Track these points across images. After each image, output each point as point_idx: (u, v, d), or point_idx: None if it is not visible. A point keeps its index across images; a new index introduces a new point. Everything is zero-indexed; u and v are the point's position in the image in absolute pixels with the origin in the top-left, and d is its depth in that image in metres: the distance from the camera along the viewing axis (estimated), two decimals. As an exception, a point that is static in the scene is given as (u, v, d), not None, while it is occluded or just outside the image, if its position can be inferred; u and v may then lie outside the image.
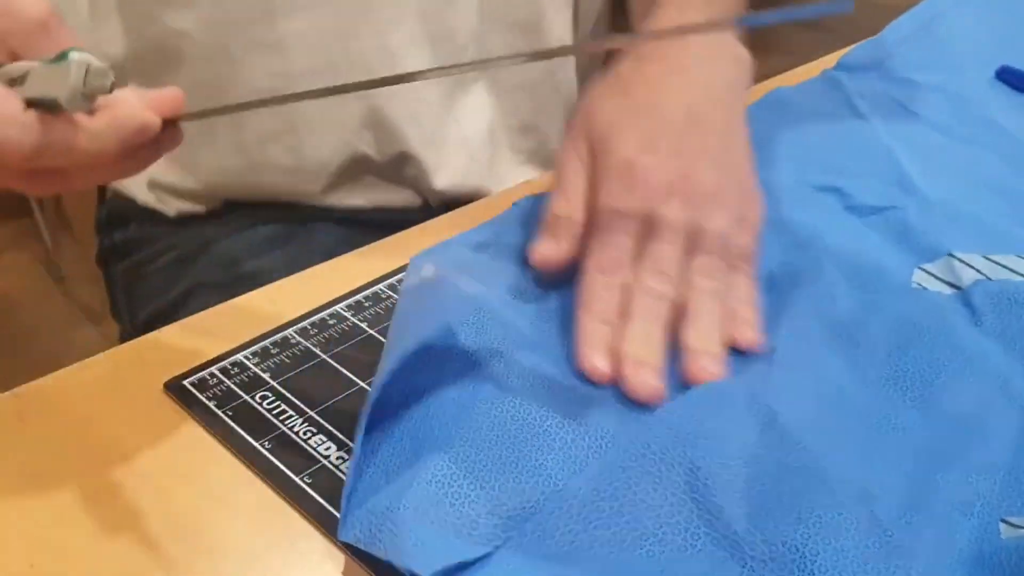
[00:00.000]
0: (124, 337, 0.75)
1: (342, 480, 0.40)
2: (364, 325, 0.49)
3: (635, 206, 0.47)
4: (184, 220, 0.73)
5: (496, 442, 0.40)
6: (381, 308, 0.50)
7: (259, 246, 0.70)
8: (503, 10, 0.69)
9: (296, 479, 0.41)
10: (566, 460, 0.40)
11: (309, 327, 0.49)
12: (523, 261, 0.51)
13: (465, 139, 0.70)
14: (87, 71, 0.38)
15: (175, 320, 0.63)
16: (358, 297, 0.51)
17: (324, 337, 0.48)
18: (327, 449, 0.42)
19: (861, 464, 0.40)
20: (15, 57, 0.39)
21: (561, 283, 0.49)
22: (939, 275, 0.52)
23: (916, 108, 0.69)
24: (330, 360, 0.47)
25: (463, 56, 0.68)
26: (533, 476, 0.39)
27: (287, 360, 0.47)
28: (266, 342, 0.48)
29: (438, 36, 0.67)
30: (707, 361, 0.45)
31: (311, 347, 0.48)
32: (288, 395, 0.45)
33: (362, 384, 0.45)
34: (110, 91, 0.39)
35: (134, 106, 0.40)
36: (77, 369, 0.47)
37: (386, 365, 0.40)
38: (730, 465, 0.39)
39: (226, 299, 0.69)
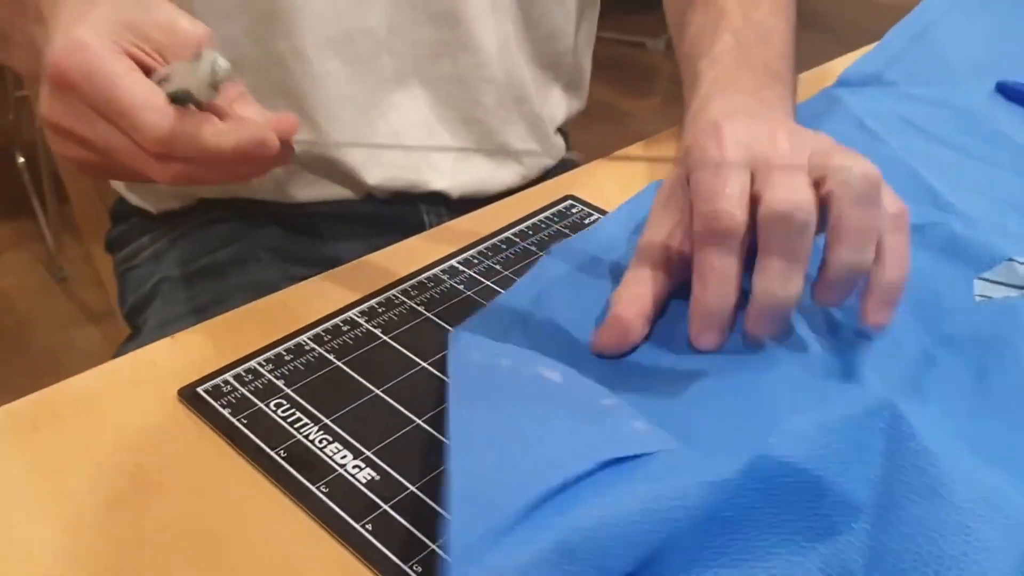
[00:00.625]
0: (131, 335, 0.76)
1: (359, 489, 0.40)
2: (378, 331, 0.49)
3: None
4: (164, 216, 0.77)
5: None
6: (395, 314, 0.50)
7: (213, 241, 0.73)
8: (420, 2, 0.69)
9: (313, 488, 0.40)
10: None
11: (323, 333, 0.49)
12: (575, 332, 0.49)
13: (395, 134, 0.71)
14: (214, 63, 0.44)
15: (149, 311, 0.65)
16: (371, 303, 0.51)
17: (338, 344, 0.48)
18: (343, 458, 0.42)
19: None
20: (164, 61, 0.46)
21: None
22: (1002, 280, 0.52)
23: (924, 125, 0.68)
24: (345, 367, 0.47)
25: (382, 53, 0.69)
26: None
27: (301, 367, 0.47)
28: (280, 349, 0.48)
29: (353, 34, 0.68)
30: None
31: (325, 354, 0.47)
32: (303, 403, 0.45)
33: (377, 391, 0.45)
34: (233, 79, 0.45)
35: (258, 122, 0.46)
36: (90, 376, 0.47)
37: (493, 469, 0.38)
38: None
39: (186, 293, 0.70)
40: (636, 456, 0.39)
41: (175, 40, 0.46)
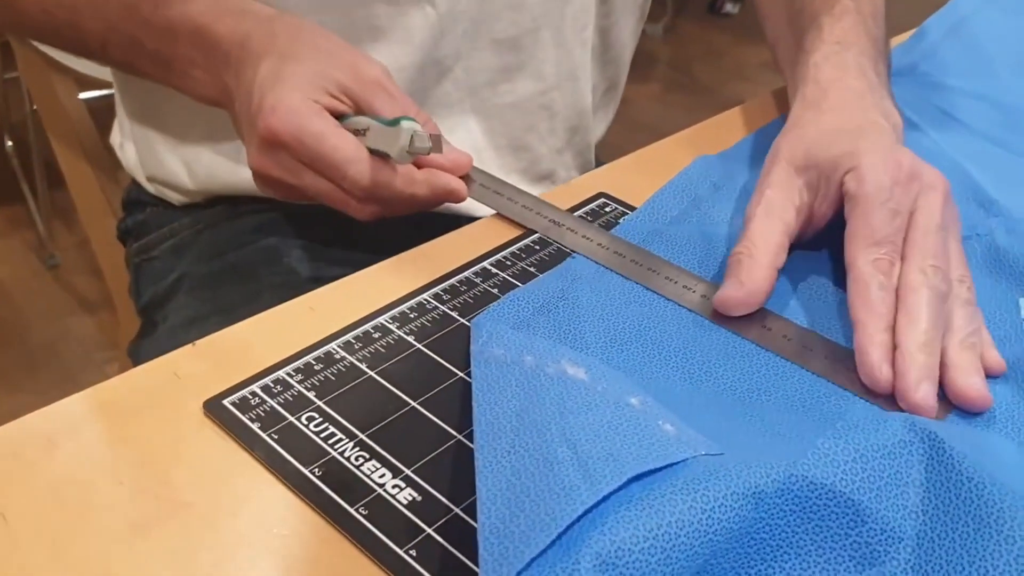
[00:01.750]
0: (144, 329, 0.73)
1: (400, 511, 0.38)
2: (411, 339, 0.47)
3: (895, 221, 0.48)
4: (188, 208, 0.75)
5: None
6: (428, 320, 0.48)
7: (241, 236, 0.71)
8: (485, 29, 0.68)
9: (351, 510, 0.38)
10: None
11: (353, 341, 0.46)
12: (606, 325, 0.48)
13: None
14: (412, 136, 0.50)
15: (169, 307, 0.62)
16: (402, 308, 0.48)
17: (370, 352, 0.46)
18: (381, 476, 0.39)
19: None
20: (357, 109, 0.54)
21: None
22: None
23: (964, 118, 0.66)
24: (378, 377, 0.44)
25: (445, 82, 0.69)
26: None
27: (332, 377, 0.44)
28: (308, 357, 0.45)
29: (426, 65, 0.68)
30: (978, 379, 0.44)
31: (356, 363, 0.45)
32: (336, 416, 0.42)
33: (413, 403, 0.43)
34: (428, 153, 0.52)
35: (446, 173, 0.55)
36: (110, 387, 0.44)
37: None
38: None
39: (210, 290, 0.67)
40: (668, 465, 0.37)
41: (359, 79, 0.54)
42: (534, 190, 0.73)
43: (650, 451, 0.37)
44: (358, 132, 0.52)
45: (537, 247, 0.54)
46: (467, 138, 0.70)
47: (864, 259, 0.47)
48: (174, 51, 0.58)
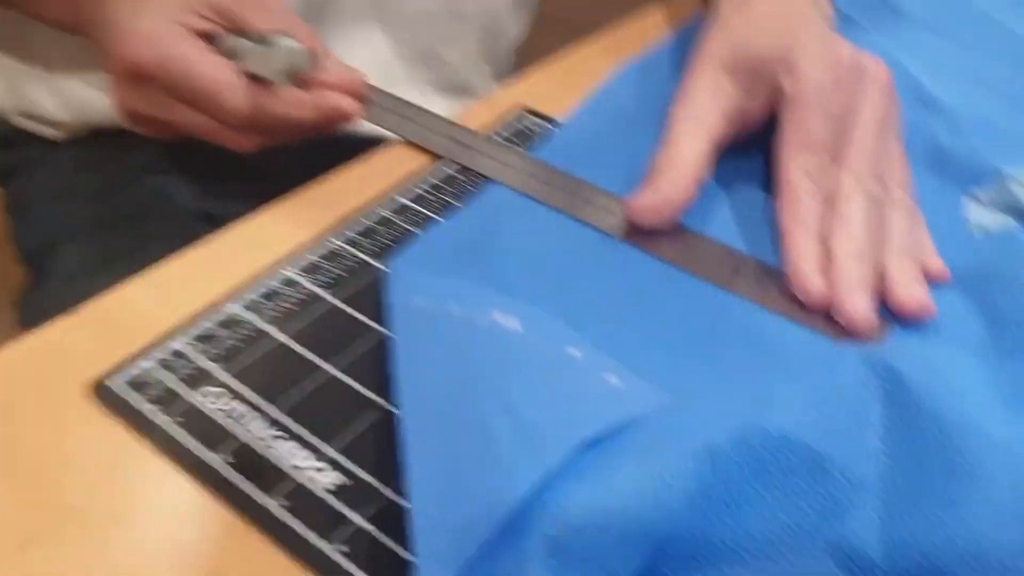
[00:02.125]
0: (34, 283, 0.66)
1: (325, 500, 0.33)
2: (324, 293, 0.41)
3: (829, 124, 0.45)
4: (67, 144, 0.67)
5: None
6: (341, 269, 0.43)
7: (129, 173, 0.64)
8: None
9: (269, 502, 0.33)
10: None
11: (258, 299, 0.41)
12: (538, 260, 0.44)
13: None
14: (289, 54, 0.46)
15: (56, 259, 0.61)
16: (311, 258, 0.43)
17: (278, 311, 0.40)
18: (303, 460, 0.35)
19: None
20: (232, 28, 0.48)
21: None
22: (996, 203, 0.47)
23: (907, 8, 0.62)
24: (290, 341, 0.39)
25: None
26: None
27: (238, 344, 0.39)
28: (209, 323, 0.40)
29: None
30: (919, 288, 0.41)
31: (265, 325, 0.40)
32: (245, 391, 0.37)
33: (333, 371, 0.38)
34: (307, 71, 0.48)
35: (334, 92, 0.49)
36: (-23, 371, 0.38)
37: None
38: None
39: (96, 239, 0.60)
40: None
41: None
42: (450, 104, 0.68)
43: (597, 411, 0.34)
44: (233, 55, 0.47)
45: (461, 177, 0.48)
46: (373, 52, 0.64)
47: (795, 165, 0.44)
48: None
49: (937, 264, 0.44)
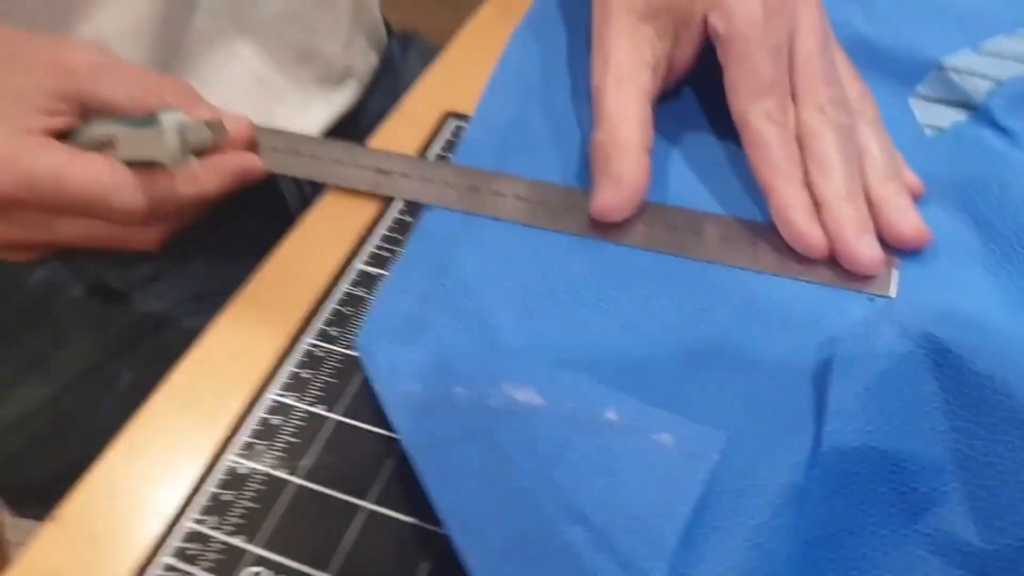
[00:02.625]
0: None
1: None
2: (320, 409, 0.37)
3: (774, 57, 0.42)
4: None
5: None
6: (328, 373, 0.38)
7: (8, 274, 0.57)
8: None
9: None
10: None
11: (253, 441, 0.36)
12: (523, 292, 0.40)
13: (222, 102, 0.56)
14: (181, 130, 0.39)
15: None
16: (287, 368, 0.38)
17: (280, 449, 0.36)
18: (380, 629, 0.32)
19: None
20: (85, 111, 0.41)
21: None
22: (941, 96, 0.45)
23: None
24: (310, 484, 0.35)
25: (198, 6, 0.54)
26: None
27: (253, 504, 0.34)
28: (209, 487, 0.35)
29: None
30: (912, 215, 0.40)
31: (271, 471, 0.35)
32: (287, 562, 0.33)
33: (374, 507, 0.34)
34: (214, 144, 0.42)
35: (234, 152, 0.44)
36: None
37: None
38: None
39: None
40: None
41: (71, 73, 0.41)
42: (338, 98, 0.62)
43: (672, 494, 0.31)
44: (103, 145, 0.40)
45: (407, 216, 0.44)
46: (243, 66, 0.57)
47: (755, 113, 0.42)
48: None
49: (912, 178, 0.43)
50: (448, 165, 0.45)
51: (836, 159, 0.40)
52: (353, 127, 0.66)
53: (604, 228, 0.42)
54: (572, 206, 0.43)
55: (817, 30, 0.43)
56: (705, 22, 0.43)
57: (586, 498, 0.31)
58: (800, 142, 0.41)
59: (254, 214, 0.64)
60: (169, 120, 0.38)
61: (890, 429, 0.33)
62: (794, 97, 0.42)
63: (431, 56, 0.72)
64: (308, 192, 0.64)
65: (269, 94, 0.59)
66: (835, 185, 0.40)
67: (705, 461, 0.32)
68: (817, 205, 0.40)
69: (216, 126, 0.41)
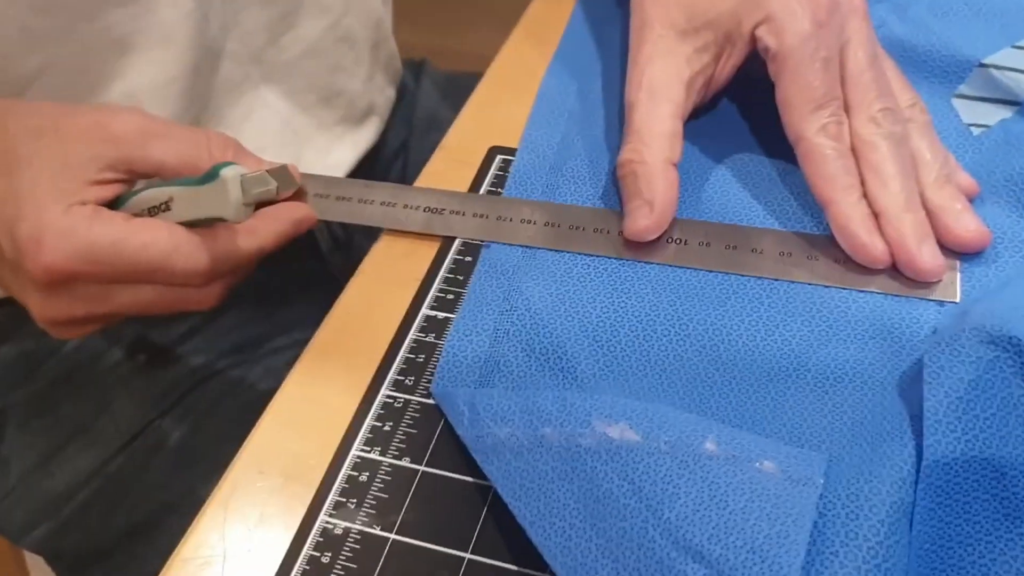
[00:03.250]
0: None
1: None
2: (406, 462, 0.37)
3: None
4: None
5: None
6: (408, 423, 0.38)
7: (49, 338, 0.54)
8: None
9: None
10: None
11: (341, 499, 0.36)
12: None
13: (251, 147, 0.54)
14: (243, 183, 0.38)
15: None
16: (367, 422, 0.38)
17: (370, 505, 0.35)
18: None
19: None
20: (136, 176, 0.41)
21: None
22: (983, 94, 0.45)
23: None
24: (402, 538, 0.35)
25: (224, 56, 0.54)
26: None
27: (351, 565, 0.34)
28: (308, 550, 0.35)
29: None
30: (970, 218, 0.41)
31: (366, 529, 0.35)
32: (391, 621, 0.33)
33: (475, 557, 0.34)
34: (279, 192, 0.40)
35: (286, 204, 0.43)
36: None
37: None
38: None
39: (48, 414, 0.56)
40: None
41: (119, 141, 0.40)
42: (362, 137, 0.62)
43: (786, 524, 0.31)
44: (157, 208, 0.40)
45: (465, 256, 0.44)
46: (271, 115, 0.57)
47: (811, 128, 0.41)
48: None
49: (967, 180, 0.43)
50: (495, 200, 0.45)
51: (893, 170, 0.41)
52: (375, 162, 0.66)
53: (653, 249, 0.42)
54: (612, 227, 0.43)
55: (866, 41, 0.43)
56: (753, 37, 0.43)
57: (700, 534, 0.31)
58: (855, 154, 0.41)
59: (286, 257, 0.64)
60: (231, 174, 0.38)
61: (987, 436, 0.33)
62: (847, 108, 0.42)
63: (445, 84, 0.72)
64: (339, 233, 0.64)
65: (297, 138, 0.59)
66: (893, 195, 0.40)
67: (813, 486, 0.32)
68: (876, 215, 0.40)
69: (283, 175, 0.40)
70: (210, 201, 0.39)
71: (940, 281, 0.40)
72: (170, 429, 0.56)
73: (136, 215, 0.40)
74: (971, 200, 0.42)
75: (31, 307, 0.41)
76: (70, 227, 0.38)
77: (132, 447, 0.56)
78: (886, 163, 0.41)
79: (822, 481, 0.32)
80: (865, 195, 0.41)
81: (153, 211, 0.40)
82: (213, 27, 0.52)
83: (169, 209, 0.40)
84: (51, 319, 0.41)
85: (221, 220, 0.39)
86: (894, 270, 0.40)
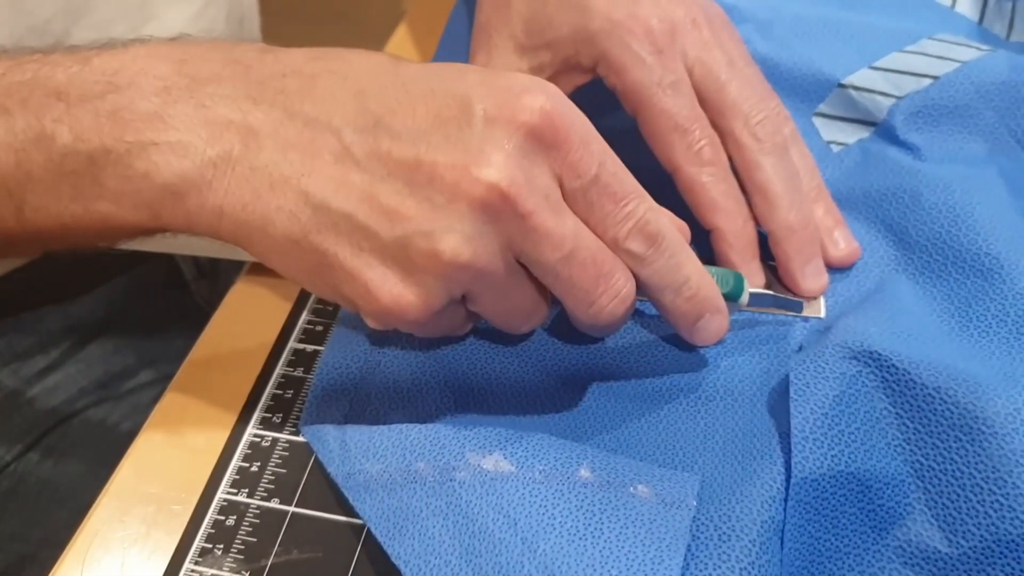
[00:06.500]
0: None
1: None
2: (275, 503, 0.35)
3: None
4: None
5: None
6: (278, 464, 0.36)
7: None
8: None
9: None
10: None
11: (209, 547, 0.34)
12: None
13: None
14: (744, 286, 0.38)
15: None
16: (234, 463, 0.36)
17: (236, 551, 0.34)
18: None
19: None
20: None
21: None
22: (843, 114, 0.46)
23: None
24: (273, 583, 0.33)
25: None
26: None
27: (218, 615, 0.33)
28: (170, 603, 0.33)
29: None
30: (841, 235, 0.42)
31: (231, 575, 0.33)
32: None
33: (342, 599, 0.33)
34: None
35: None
36: None
37: None
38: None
39: None
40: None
41: None
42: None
43: (660, 549, 0.31)
44: None
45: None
46: None
47: (683, 157, 0.40)
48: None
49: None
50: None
51: (779, 189, 0.40)
52: None
53: None
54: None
55: (716, 55, 0.42)
56: (593, 69, 0.42)
57: (576, 566, 0.30)
58: (737, 170, 0.41)
59: (148, 288, 0.61)
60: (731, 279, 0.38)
61: (852, 450, 0.33)
62: (719, 126, 0.41)
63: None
64: (203, 262, 0.62)
65: None
66: (781, 216, 0.40)
67: (686, 509, 0.32)
68: (767, 233, 0.41)
69: None
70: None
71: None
72: (27, 473, 0.53)
73: None
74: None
75: (492, 164, 0.31)
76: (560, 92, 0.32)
77: None
78: (771, 184, 0.40)
79: (695, 503, 0.32)
80: (753, 215, 0.41)
81: None
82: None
83: None
84: (511, 178, 0.31)
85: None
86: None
